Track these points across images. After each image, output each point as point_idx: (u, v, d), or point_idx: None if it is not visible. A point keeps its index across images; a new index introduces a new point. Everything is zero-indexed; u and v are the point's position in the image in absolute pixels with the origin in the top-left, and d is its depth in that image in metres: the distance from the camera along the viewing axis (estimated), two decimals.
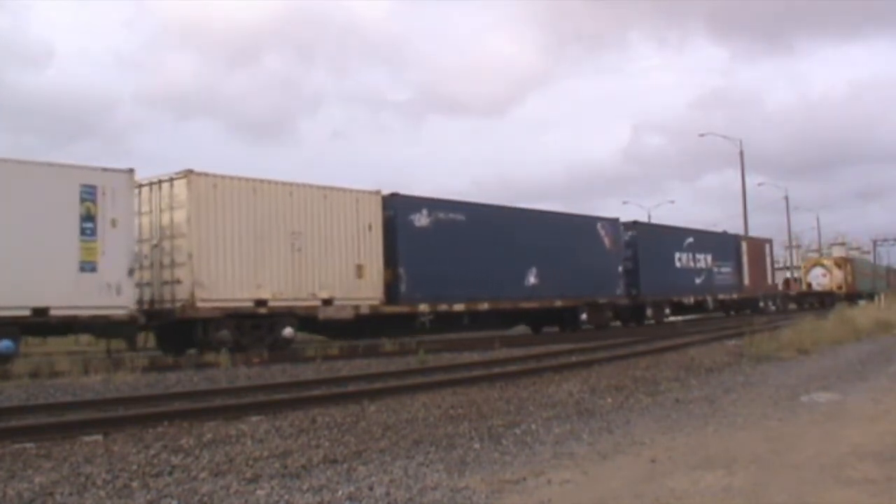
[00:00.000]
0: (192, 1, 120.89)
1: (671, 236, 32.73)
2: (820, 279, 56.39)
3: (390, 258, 20.06)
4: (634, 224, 30.58)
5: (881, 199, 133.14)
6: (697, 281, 33.61)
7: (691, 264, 33.31)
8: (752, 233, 49.68)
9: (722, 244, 37.14)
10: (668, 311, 31.47)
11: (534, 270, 24.07)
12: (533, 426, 7.74)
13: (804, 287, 56.23)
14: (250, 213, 17.22)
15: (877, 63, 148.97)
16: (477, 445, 6.86)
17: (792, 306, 49.24)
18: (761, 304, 40.54)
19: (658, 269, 30.50)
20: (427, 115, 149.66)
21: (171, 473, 5.81)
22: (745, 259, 38.38)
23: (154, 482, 5.56)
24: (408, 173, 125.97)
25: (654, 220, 45.06)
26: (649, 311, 29.82)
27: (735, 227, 48.96)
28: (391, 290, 19.99)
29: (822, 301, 52.36)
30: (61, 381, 12.10)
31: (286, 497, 5.15)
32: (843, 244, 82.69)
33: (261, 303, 17.25)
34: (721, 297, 35.51)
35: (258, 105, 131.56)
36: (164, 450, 6.68)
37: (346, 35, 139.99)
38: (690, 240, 33.59)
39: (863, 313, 26.03)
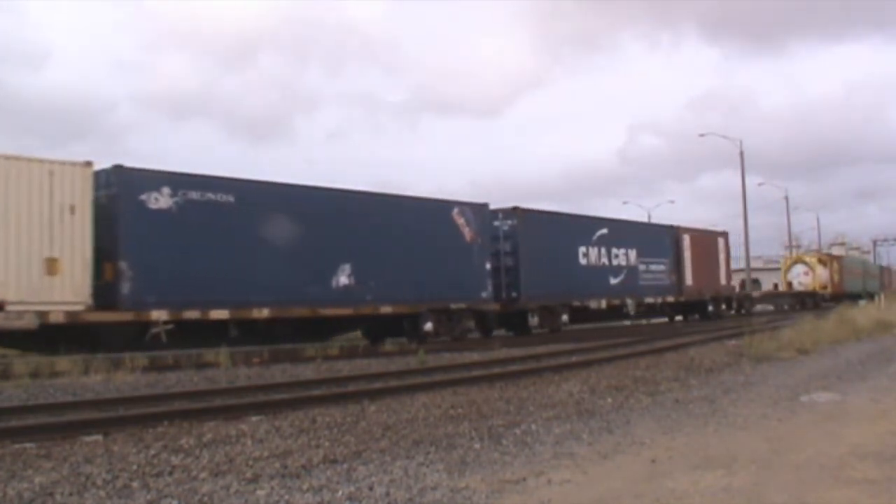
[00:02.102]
0: (189, 3, 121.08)
1: (572, 227, 26.96)
2: (801, 278, 51.03)
3: (110, 250, 15.47)
4: (515, 211, 24.39)
5: (880, 199, 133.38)
6: (613, 281, 28.25)
7: (604, 261, 27.79)
8: (752, 233, 48.93)
9: (652, 237, 31.44)
10: (565, 317, 25.58)
11: (347, 268, 19.04)
12: (533, 426, 7.74)
13: (784, 287, 51.31)
14: None
15: (869, 64, 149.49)
16: (477, 445, 6.86)
17: (761, 309, 44.10)
18: (711, 307, 35.02)
19: (550, 267, 24.84)
20: (422, 115, 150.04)
21: (171, 473, 5.81)
22: (687, 255, 32.84)
23: (154, 482, 5.56)
24: (405, 173, 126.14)
25: (654, 221, 43.14)
26: (535, 319, 24.30)
27: (735, 228, 48.92)
28: (108, 292, 15.34)
29: (801, 303, 47.49)
30: (61, 381, 12.10)
31: (286, 497, 5.15)
32: (842, 244, 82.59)
33: None
34: (650, 300, 30.06)
35: (255, 105, 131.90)
36: (164, 450, 6.68)
37: (342, 36, 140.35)
38: (603, 231, 27.99)
39: (863, 313, 26.01)
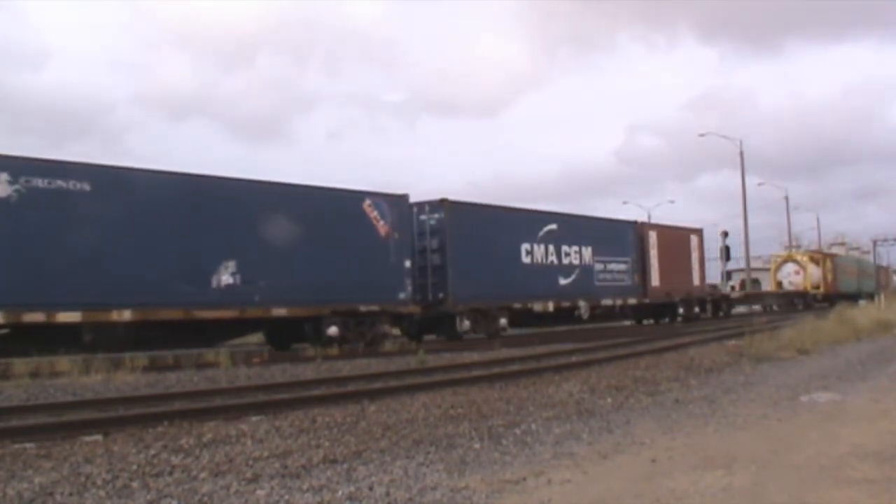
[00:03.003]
0: (188, 4, 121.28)
1: (513, 222, 24.02)
2: (792, 277, 48.44)
3: None
4: (442, 203, 21.71)
5: (879, 199, 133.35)
6: (563, 281, 25.36)
7: (552, 259, 24.97)
8: (752, 233, 48.36)
9: (612, 234, 28.54)
10: (504, 321, 22.96)
11: (231, 265, 16.79)
12: (533, 426, 7.74)
13: (773, 286, 48.42)
14: None
15: (866, 65, 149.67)
16: (477, 445, 6.86)
17: (743, 310, 41.44)
18: (681, 310, 32.30)
19: (486, 266, 22.29)
20: (421, 115, 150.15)
21: (171, 473, 5.81)
22: (653, 254, 30.27)
23: (154, 482, 5.56)
24: (404, 173, 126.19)
25: (654, 221, 40.87)
26: (465, 323, 21.72)
27: (735, 228, 48.90)
28: None
29: (790, 303, 45.30)
30: (61, 381, 12.10)
31: (286, 497, 5.16)
32: (843, 244, 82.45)
33: None
34: (607, 302, 27.30)
35: (254, 106, 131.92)
36: (164, 450, 6.68)
37: (340, 36, 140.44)
38: (552, 227, 25.13)
39: (863, 313, 26.02)
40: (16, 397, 10.52)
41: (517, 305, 23.41)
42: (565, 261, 25.60)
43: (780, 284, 48.13)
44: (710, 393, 10.05)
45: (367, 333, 19.32)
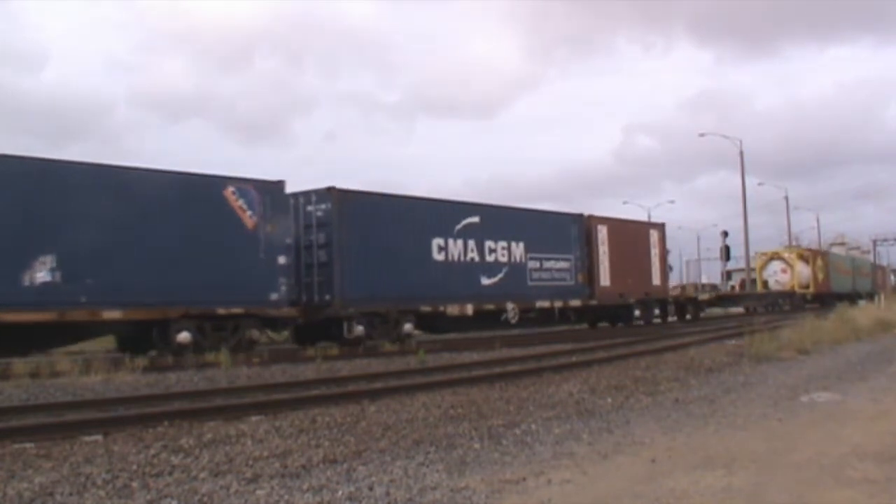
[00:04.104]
0: (186, 5, 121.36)
1: (421, 214, 21.06)
2: (778, 276, 45.58)
3: None
4: (330, 192, 18.99)
5: (878, 199, 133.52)
6: (487, 281, 22.46)
7: (472, 256, 22.03)
8: (752, 233, 47.53)
9: (550, 228, 25.44)
10: (409, 326, 20.18)
11: (48, 260, 14.45)
12: (533, 426, 7.74)
13: (759, 286, 45.17)
14: None
15: (862, 65, 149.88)
16: (477, 445, 6.86)
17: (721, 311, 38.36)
18: (638, 312, 29.56)
19: (385, 263, 19.58)
20: (418, 116, 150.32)
21: (171, 473, 5.81)
22: (603, 250, 27.37)
23: (154, 482, 5.56)
24: (401, 173, 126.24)
25: (656, 221, 39.49)
26: (357, 328, 18.82)
27: (734, 228, 48.84)
28: None
29: (774, 304, 41.99)
30: (61, 381, 12.10)
31: (286, 497, 5.16)
32: (843, 244, 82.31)
33: None
34: (543, 304, 24.20)
35: (252, 107, 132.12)
36: (164, 450, 6.68)
37: (336, 38, 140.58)
38: (472, 220, 22.17)
39: (863, 313, 26.01)
40: (16, 397, 10.51)
41: (426, 308, 20.60)
42: (490, 258, 22.71)
43: (765, 284, 45.47)
44: (710, 393, 10.05)
45: (229, 339, 16.70)
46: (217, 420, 8.22)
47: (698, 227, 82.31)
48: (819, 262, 46.73)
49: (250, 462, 6.17)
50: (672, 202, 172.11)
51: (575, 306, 25.89)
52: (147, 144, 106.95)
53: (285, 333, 19.33)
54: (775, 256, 47.35)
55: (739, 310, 40.38)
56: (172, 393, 10.65)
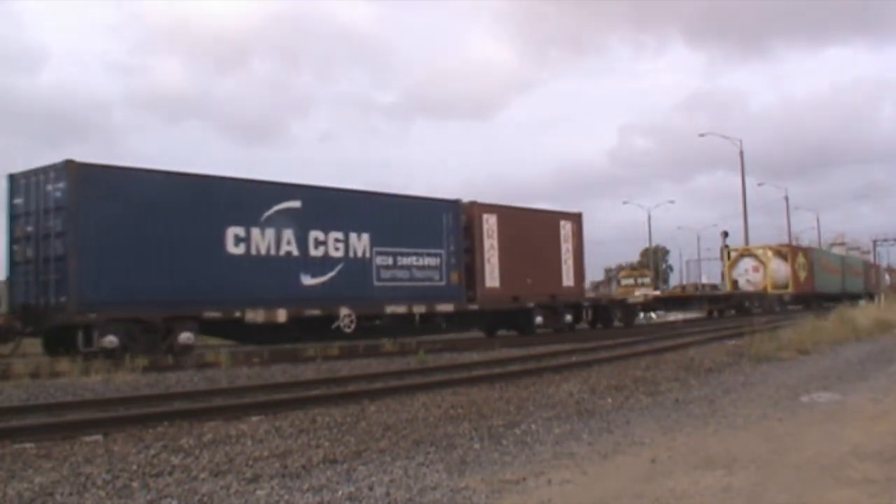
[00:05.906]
0: (183, 6, 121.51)
1: (210, 196, 16.97)
2: (749, 275, 41.15)
3: None
4: (67, 168, 15.10)
5: (877, 199, 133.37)
6: (311, 281, 18.42)
7: (289, 250, 18.02)
8: (752, 233, 47.33)
9: (409, 217, 20.82)
10: (186, 335, 15.98)
11: None
12: (533, 426, 7.74)
13: (728, 286, 40.81)
14: None
15: (856, 66, 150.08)
16: (477, 445, 6.86)
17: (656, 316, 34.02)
18: (540, 318, 23.95)
19: (149, 257, 15.67)
20: (414, 117, 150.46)
21: (171, 473, 5.81)
22: (489, 244, 22.69)
23: (154, 482, 5.56)
24: (399, 174, 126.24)
25: (653, 222, 38.60)
26: (107, 338, 14.72)
27: (734, 228, 48.83)
28: None
29: (738, 306, 36.68)
30: (61, 381, 12.09)
31: (286, 497, 5.16)
32: (843, 244, 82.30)
33: None
34: (398, 309, 19.90)
35: (249, 108, 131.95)
36: (164, 450, 6.68)
37: (333, 39, 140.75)
38: (290, 205, 18.16)
39: (863, 313, 26.01)
40: (16, 397, 10.51)
41: (212, 314, 16.48)
42: (316, 252, 18.57)
43: (735, 284, 40.86)
44: (710, 393, 10.05)
45: None
46: (217, 420, 8.21)
47: (698, 227, 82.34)
48: (800, 259, 42.13)
49: (250, 462, 6.17)
50: (672, 202, 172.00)
51: (445, 312, 21.12)
52: (148, 144, 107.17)
53: (10, 345, 15.30)
54: (746, 253, 42.78)
55: (687, 316, 35.52)
56: (172, 393, 10.65)
